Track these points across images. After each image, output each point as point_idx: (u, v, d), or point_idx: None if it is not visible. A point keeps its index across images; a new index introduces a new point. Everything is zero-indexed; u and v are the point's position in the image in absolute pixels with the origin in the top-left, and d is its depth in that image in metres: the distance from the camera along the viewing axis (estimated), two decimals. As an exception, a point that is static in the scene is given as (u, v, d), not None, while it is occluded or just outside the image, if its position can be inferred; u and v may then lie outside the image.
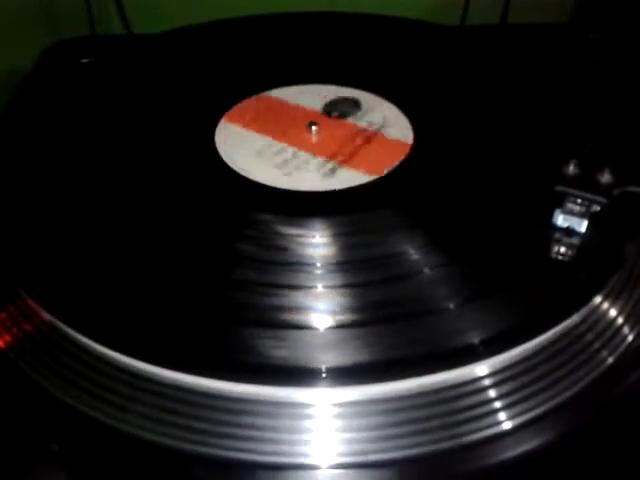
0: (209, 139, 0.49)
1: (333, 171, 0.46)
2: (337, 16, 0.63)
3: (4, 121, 0.53)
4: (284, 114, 0.51)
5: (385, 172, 0.45)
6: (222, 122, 0.50)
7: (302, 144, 0.48)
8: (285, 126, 0.50)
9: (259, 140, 0.49)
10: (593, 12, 0.66)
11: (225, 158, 0.47)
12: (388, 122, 0.50)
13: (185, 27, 0.62)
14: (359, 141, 0.49)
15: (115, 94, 0.54)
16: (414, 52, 0.59)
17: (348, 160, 0.47)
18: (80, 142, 0.49)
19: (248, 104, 0.53)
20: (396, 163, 0.46)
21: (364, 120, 0.51)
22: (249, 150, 0.48)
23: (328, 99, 0.52)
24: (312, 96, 0.53)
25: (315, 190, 0.44)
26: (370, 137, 0.49)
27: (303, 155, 0.47)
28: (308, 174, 0.46)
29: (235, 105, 0.52)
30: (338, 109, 0.51)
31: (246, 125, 0.50)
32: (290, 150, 0.48)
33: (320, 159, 0.47)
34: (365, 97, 0.53)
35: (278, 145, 0.48)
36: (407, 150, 0.47)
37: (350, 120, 0.51)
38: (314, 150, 0.48)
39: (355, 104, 0.52)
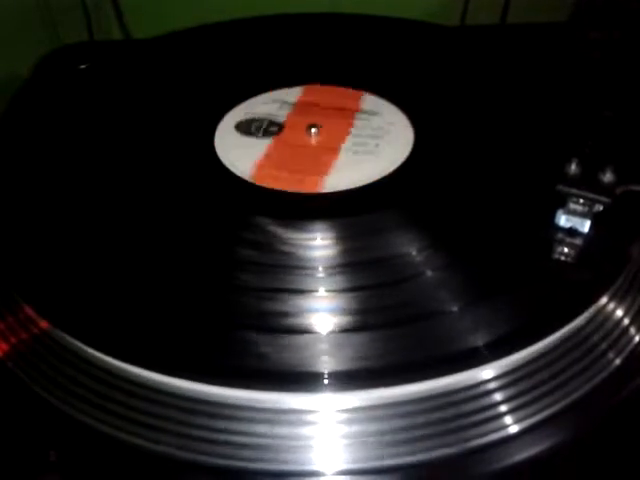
0: (208, 143, 0.48)
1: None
2: (337, 17, 0.63)
3: (2, 127, 0.53)
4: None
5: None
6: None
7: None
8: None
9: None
10: (592, 11, 0.66)
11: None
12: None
13: (183, 30, 0.62)
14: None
15: (113, 100, 0.54)
16: (414, 53, 0.58)
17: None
18: (78, 148, 0.49)
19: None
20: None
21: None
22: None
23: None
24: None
25: (312, 192, 0.44)
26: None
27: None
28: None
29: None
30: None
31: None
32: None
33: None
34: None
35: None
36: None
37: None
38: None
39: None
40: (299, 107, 0.52)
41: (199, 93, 0.54)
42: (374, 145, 0.48)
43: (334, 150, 0.48)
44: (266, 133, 0.50)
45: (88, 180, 0.46)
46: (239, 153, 0.47)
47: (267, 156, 0.48)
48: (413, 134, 0.49)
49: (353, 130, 0.49)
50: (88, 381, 0.37)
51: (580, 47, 0.60)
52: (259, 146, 0.48)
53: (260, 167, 0.46)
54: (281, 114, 0.51)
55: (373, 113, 0.51)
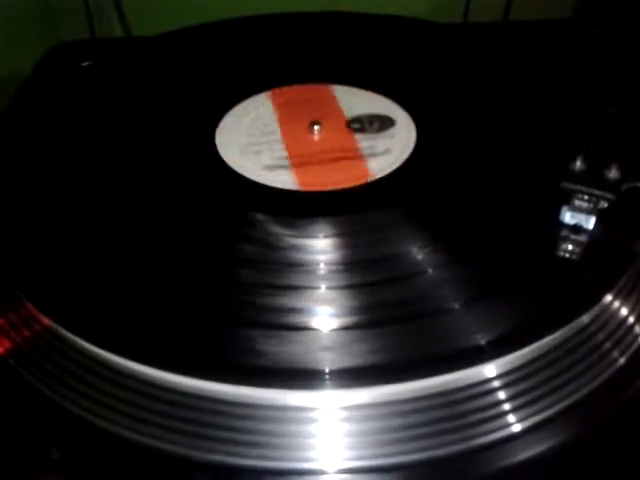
0: (210, 141, 0.48)
1: (276, 168, 0.46)
2: (339, 15, 0.63)
3: (4, 124, 0.53)
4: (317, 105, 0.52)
5: (316, 189, 0.44)
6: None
7: (291, 136, 0.48)
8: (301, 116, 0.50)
9: (265, 117, 0.50)
10: (595, 7, 0.65)
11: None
12: (387, 152, 0.47)
13: (184, 28, 0.61)
14: (334, 156, 0.47)
15: (115, 97, 0.54)
16: (417, 51, 0.58)
17: (299, 166, 0.46)
18: (80, 145, 0.49)
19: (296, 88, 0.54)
20: (336, 187, 0.44)
21: (369, 142, 0.49)
22: (244, 127, 0.49)
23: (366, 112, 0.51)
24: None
25: (315, 190, 0.44)
26: (348, 158, 0.47)
27: (278, 145, 0.48)
28: (257, 160, 0.46)
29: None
30: (363, 123, 0.50)
31: (275, 105, 0.51)
32: (275, 136, 0.49)
33: (284, 153, 0.47)
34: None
35: (273, 127, 0.49)
36: (359, 181, 0.45)
37: (358, 135, 0.49)
38: (291, 144, 0.48)
39: (385, 124, 0.49)
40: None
41: (200, 91, 0.54)
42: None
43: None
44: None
45: (89, 177, 0.46)
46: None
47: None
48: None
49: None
50: (90, 378, 0.36)
51: (583, 44, 0.60)
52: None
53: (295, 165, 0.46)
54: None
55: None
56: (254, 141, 0.48)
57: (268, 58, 0.58)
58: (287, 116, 0.51)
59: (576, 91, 0.52)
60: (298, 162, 0.46)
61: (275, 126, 0.50)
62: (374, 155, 0.47)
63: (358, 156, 0.47)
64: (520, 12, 0.74)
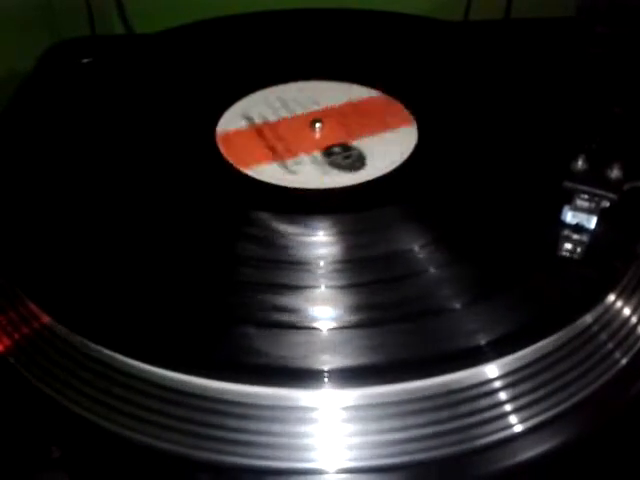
0: (210, 137, 0.48)
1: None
2: (340, 13, 0.63)
3: (4, 121, 0.52)
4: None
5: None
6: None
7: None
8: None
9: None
10: (597, 5, 0.65)
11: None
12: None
13: (186, 25, 0.61)
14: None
15: (116, 94, 0.54)
16: (418, 48, 0.58)
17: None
18: (80, 142, 0.49)
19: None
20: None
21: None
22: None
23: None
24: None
25: (316, 187, 0.44)
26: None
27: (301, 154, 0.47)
28: (307, 172, 0.45)
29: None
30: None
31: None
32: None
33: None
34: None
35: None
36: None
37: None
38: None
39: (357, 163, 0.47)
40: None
41: (201, 88, 0.54)
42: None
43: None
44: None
45: (90, 175, 0.46)
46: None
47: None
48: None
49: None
50: (90, 376, 0.36)
51: (586, 42, 0.60)
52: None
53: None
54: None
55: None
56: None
57: (269, 55, 0.57)
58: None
59: (578, 90, 0.52)
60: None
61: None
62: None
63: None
64: (521, 10, 0.74)
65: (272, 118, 0.50)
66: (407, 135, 0.48)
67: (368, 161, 0.46)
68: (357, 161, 0.46)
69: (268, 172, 0.45)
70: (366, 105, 0.51)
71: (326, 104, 0.52)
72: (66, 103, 0.53)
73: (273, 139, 0.48)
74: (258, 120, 0.50)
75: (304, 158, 0.46)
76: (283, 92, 0.53)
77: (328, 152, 0.47)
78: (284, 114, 0.51)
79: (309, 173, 0.45)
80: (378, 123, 0.49)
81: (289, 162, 0.46)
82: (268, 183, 0.44)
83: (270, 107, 0.51)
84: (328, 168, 0.45)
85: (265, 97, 0.52)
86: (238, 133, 0.49)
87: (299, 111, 0.51)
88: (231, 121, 0.50)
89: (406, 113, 0.50)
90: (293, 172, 0.45)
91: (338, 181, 0.44)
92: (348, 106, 0.51)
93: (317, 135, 0.48)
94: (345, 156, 0.46)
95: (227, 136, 0.49)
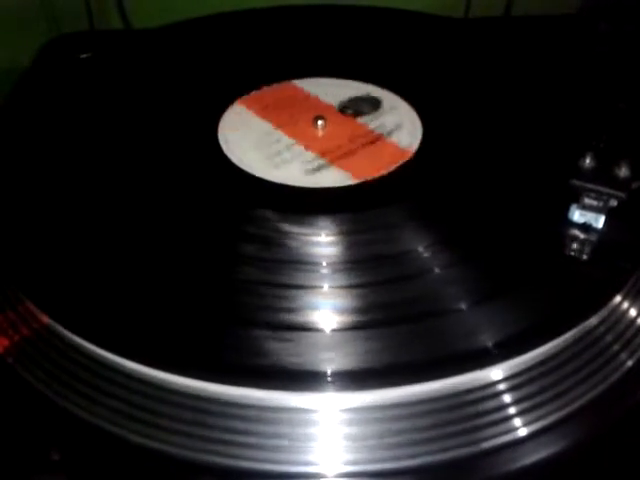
0: (211, 133, 0.48)
1: (318, 169, 0.45)
2: (341, 9, 0.63)
3: (2, 116, 0.52)
4: (299, 104, 0.51)
5: (370, 178, 0.44)
6: (232, 107, 0.50)
7: (302, 137, 0.48)
8: (294, 116, 0.49)
9: (261, 128, 0.49)
10: (600, 2, 0.65)
11: (228, 153, 0.46)
12: (400, 126, 0.48)
13: (184, 21, 0.61)
14: (360, 142, 0.47)
15: (114, 89, 0.54)
16: (419, 45, 0.58)
17: (339, 159, 0.46)
18: (79, 139, 0.48)
19: (267, 91, 0.52)
20: (386, 170, 0.44)
21: (376, 122, 0.49)
22: (249, 140, 0.47)
23: (346, 96, 0.51)
24: (330, 89, 0.52)
25: (304, 186, 0.43)
26: (374, 140, 0.47)
27: (296, 148, 0.47)
28: (292, 168, 0.45)
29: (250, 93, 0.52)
30: (354, 107, 0.50)
31: (257, 112, 0.50)
32: (286, 141, 0.47)
33: (311, 154, 0.46)
34: (382, 95, 0.52)
35: (277, 135, 0.48)
36: (404, 159, 0.45)
37: (362, 120, 0.49)
38: (310, 145, 0.47)
39: (374, 104, 0.50)
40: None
41: (201, 84, 0.53)
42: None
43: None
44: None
45: (89, 172, 0.45)
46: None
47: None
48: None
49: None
50: (90, 378, 0.36)
51: (589, 39, 0.60)
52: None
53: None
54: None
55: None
56: (268, 154, 0.47)
57: (268, 51, 0.57)
58: (280, 120, 0.49)
59: (584, 87, 0.52)
60: (334, 157, 0.46)
61: (278, 133, 0.49)
62: (390, 132, 0.47)
63: (377, 136, 0.47)
64: (521, 8, 0.74)
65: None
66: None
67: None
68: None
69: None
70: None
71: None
72: (64, 98, 0.53)
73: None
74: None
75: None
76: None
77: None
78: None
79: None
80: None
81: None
82: (271, 181, 0.44)
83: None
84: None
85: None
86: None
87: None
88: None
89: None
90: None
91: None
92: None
93: (319, 132, 0.48)
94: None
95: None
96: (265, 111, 0.50)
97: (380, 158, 0.46)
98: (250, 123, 0.49)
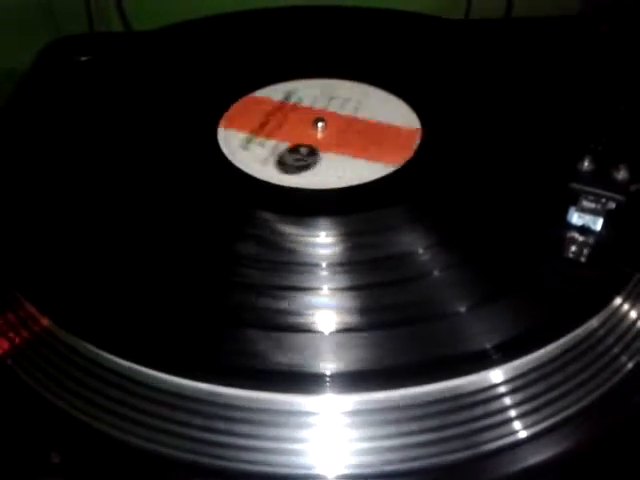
0: (211, 136, 0.48)
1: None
2: (340, 10, 0.63)
3: (2, 119, 0.52)
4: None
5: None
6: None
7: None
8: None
9: (263, 140, 0.48)
10: (601, 4, 0.65)
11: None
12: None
13: (184, 22, 0.61)
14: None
15: (114, 92, 0.54)
16: (419, 46, 0.58)
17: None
18: (79, 141, 0.48)
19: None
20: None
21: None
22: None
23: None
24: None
25: (327, 187, 0.43)
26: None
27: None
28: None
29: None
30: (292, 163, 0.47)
31: (249, 131, 0.49)
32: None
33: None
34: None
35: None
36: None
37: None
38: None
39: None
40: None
41: (201, 86, 0.53)
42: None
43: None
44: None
45: (89, 174, 0.45)
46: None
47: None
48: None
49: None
50: (89, 380, 0.36)
51: (590, 41, 0.60)
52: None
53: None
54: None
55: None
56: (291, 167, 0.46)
57: (269, 52, 0.57)
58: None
59: (583, 89, 0.52)
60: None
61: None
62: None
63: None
64: (521, 9, 0.74)
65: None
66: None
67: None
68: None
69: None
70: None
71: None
72: (64, 101, 0.53)
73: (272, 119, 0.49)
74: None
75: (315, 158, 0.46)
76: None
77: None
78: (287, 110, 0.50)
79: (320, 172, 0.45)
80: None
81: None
82: (269, 182, 0.44)
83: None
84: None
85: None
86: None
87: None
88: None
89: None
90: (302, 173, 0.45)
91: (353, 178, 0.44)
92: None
93: (319, 134, 0.48)
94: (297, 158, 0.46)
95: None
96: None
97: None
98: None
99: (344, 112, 0.50)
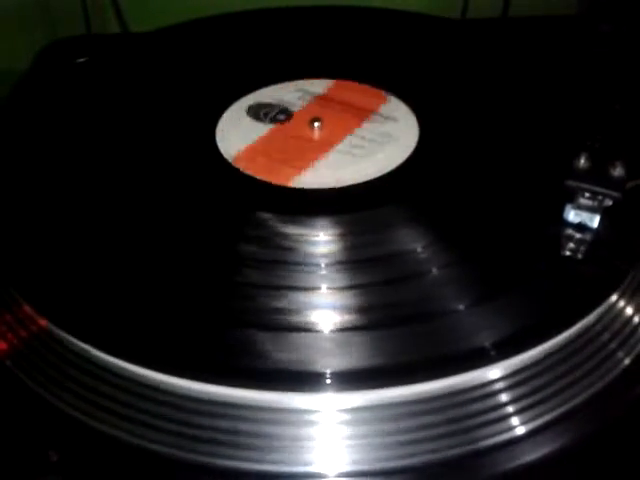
0: (209, 138, 0.48)
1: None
2: (336, 10, 0.62)
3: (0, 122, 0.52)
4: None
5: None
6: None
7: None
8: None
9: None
10: (602, 4, 0.65)
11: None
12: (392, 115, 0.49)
13: (181, 24, 0.61)
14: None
15: (111, 93, 0.54)
16: (416, 45, 0.58)
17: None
18: (77, 143, 0.48)
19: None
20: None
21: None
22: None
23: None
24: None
25: (325, 187, 0.43)
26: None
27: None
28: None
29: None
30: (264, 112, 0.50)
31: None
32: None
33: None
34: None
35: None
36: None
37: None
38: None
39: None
40: (318, 100, 0.51)
41: (198, 87, 0.53)
42: (371, 149, 0.47)
43: (326, 147, 0.47)
44: (273, 120, 0.49)
45: (87, 176, 0.45)
46: (238, 137, 0.47)
47: (260, 141, 0.47)
48: (418, 128, 0.48)
49: (357, 131, 0.49)
50: (88, 380, 0.36)
51: (589, 40, 0.60)
52: (259, 131, 0.48)
53: (246, 150, 0.46)
54: (298, 104, 0.51)
55: (389, 118, 0.50)
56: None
57: (266, 53, 0.57)
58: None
59: (580, 88, 0.52)
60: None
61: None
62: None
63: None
64: (518, 9, 0.74)
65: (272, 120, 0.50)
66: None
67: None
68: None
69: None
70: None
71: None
72: (62, 103, 0.53)
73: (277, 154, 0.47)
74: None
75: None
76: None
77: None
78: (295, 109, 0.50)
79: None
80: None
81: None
82: (268, 183, 0.43)
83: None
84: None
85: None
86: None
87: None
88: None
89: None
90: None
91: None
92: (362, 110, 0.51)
93: (315, 134, 0.48)
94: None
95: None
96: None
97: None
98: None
99: (341, 112, 0.50)
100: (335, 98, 0.52)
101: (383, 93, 0.52)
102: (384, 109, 0.50)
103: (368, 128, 0.49)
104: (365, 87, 0.52)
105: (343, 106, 0.51)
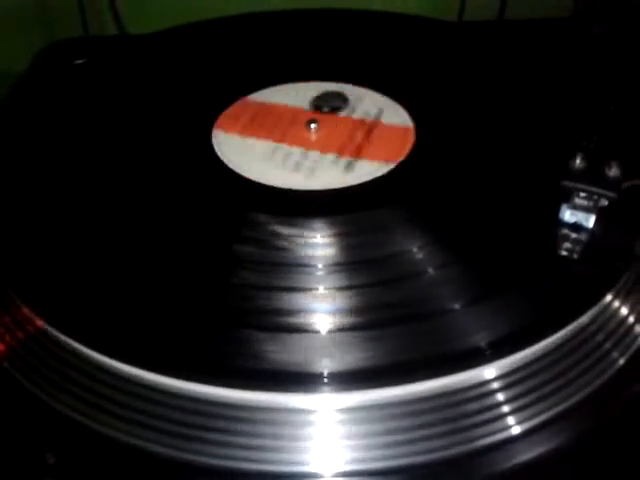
0: (206, 139, 0.48)
1: (350, 166, 0.45)
2: (333, 13, 0.63)
3: (-3, 124, 0.52)
4: (274, 115, 0.50)
5: (398, 162, 0.45)
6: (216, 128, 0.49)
7: (305, 143, 0.47)
8: (281, 127, 0.49)
9: (261, 148, 0.47)
10: (595, 6, 0.65)
11: (223, 158, 0.46)
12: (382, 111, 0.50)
13: (179, 26, 0.61)
14: (362, 133, 0.48)
15: (109, 95, 0.54)
16: (412, 48, 0.58)
17: (359, 152, 0.46)
18: (74, 145, 0.48)
19: (234, 110, 0.51)
20: (405, 154, 0.46)
21: (359, 112, 0.50)
22: (251, 154, 0.47)
23: (313, 95, 0.51)
24: (297, 94, 0.52)
25: (321, 188, 0.43)
26: (371, 127, 0.48)
27: (311, 154, 0.46)
28: (325, 174, 0.44)
29: (221, 113, 0.50)
30: (327, 103, 0.51)
31: (241, 131, 0.49)
32: (296, 151, 0.47)
33: (330, 155, 0.46)
34: (355, 91, 0.52)
35: (281, 147, 0.47)
36: (412, 136, 0.47)
37: (344, 113, 0.50)
38: (320, 148, 0.47)
39: (342, 97, 0.51)
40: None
41: (196, 89, 0.53)
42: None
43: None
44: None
45: (84, 177, 0.46)
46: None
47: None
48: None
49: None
50: (85, 381, 0.36)
51: (583, 42, 0.60)
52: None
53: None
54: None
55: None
56: (286, 168, 0.46)
57: (263, 56, 0.57)
58: (272, 134, 0.49)
59: (576, 89, 0.52)
60: (352, 152, 0.46)
61: (283, 147, 0.48)
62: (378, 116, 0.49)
63: (372, 123, 0.49)
64: (516, 10, 0.74)
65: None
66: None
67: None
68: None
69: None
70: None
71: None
72: (59, 105, 0.53)
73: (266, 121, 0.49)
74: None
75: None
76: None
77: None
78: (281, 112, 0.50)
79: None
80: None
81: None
82: (265, 185, 0.44)
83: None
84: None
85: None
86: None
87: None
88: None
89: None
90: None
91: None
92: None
93: (313, 136, 0.48)
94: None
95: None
96: (249, 130, 0.49)
97: (392, 139, 0.47)
98: (245, 145, 0.48)
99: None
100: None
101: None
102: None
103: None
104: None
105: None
